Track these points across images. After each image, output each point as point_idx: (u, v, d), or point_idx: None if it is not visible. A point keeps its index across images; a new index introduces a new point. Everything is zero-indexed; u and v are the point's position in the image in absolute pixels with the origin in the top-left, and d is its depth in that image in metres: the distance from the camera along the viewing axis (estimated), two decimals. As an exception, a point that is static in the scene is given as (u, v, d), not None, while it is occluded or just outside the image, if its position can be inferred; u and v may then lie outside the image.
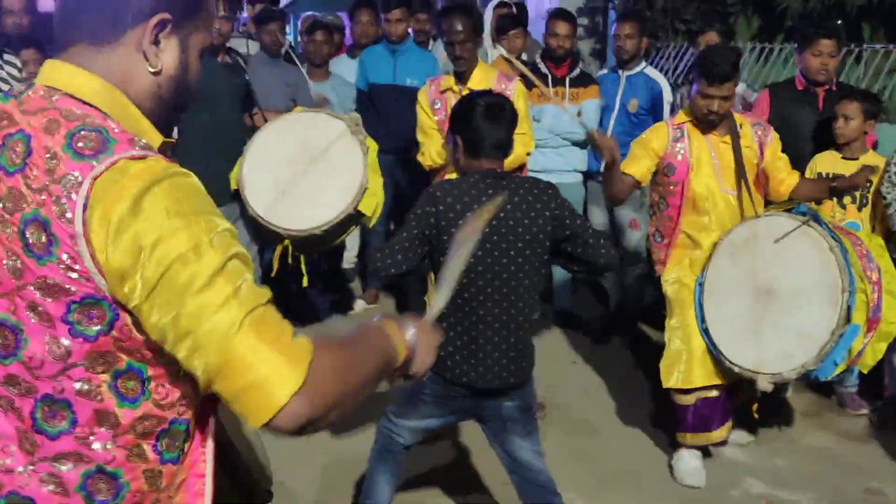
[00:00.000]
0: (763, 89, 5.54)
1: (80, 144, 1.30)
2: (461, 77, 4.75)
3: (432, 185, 3.19)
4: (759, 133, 4.20)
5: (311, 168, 4.63)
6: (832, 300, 3.72)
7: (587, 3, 10.71)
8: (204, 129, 4.82)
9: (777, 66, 8.17)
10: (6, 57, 4.81)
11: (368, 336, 1.55)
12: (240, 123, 5.24)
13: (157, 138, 1.44)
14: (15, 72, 4.80)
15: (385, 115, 6.00)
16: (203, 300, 1.28)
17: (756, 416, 4.27)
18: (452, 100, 4.60)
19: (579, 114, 5.71)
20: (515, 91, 4.73)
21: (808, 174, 4.67)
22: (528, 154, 4.84)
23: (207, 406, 1.54)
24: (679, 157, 4.16)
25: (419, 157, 4.87)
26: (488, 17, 6.48)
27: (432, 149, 4.74)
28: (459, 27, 4.62)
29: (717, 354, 3.98)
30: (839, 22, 8.15)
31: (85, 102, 1.36)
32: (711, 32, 5.71)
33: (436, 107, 4.80)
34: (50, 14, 1.48)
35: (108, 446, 1.40)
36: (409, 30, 6.49)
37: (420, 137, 4.87)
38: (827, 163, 4.70)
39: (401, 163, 5.98)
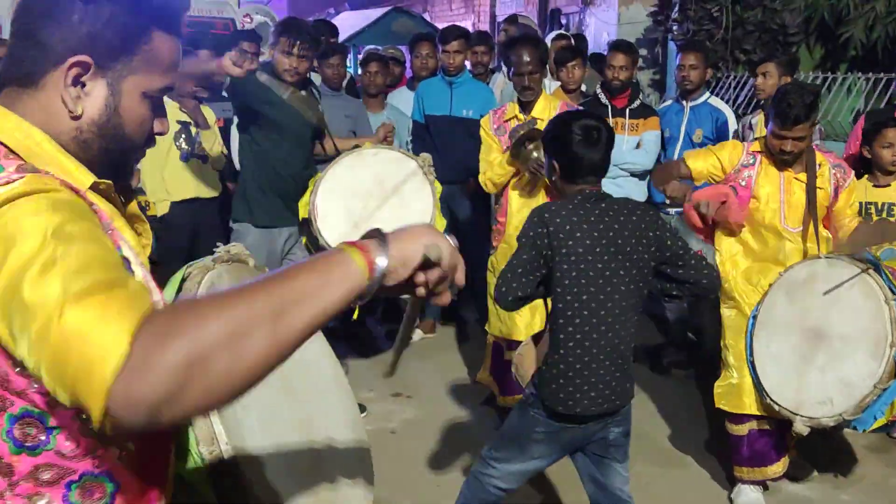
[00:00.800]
0: (861, 116, 5.47)
1: None
2: (525, 107, 4.82)
3: (539, 208, 3.12)
4: (839, 175, 4.12)
5: (385, 204, 4.68)
6: (878, 352, 3.62)
7: (646, 35, 10.71)
8: (282, 158, 4.92)
9: (841, 96, 8.07)
10: None
11: (275, 277, 1.19)
12: (311, 152, 5.32)
13: (84, 179, 1.37)
14: None
15: (442, 145, 6.09)
16: (34, 297, 1.11)
17: (795, 452, 4.20)
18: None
19: (639, 145, 5.73)
20: None
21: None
22: None
23: (157, 462, 1.44)
24: (743, 183, 4.14)
25: (480, 178, 4.92)
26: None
27: (493, 169, 4.77)
28: (527, 58, 4.68)
29: (760, 389, 3.95)
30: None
31: None
32: (770, 64, 5.66)
33: (500, 135, 4.86)
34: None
35: (7, 494, 1.29)
36: (467, 62, 6.59)
37: (483, 163, 4.91)
38: (860, 192, 4.64)
39: (457, 193, 6.04)
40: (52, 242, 1.14)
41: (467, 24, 16.27)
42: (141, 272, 1.38)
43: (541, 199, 4.70)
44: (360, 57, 6.95)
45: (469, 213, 6.36)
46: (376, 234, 1.28)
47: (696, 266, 3.11)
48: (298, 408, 1.94)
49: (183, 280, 1.79)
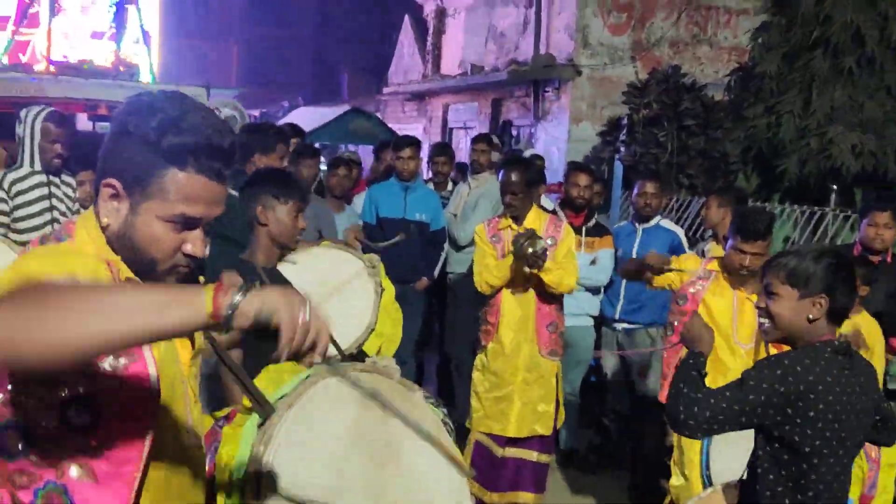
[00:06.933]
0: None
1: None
2: (516, 219, 5.17)
3: (788, 362, 2.76)
4: None
5: (325, 303, 4.76)
6: None
7: (594, 153, 11.21)
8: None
9: (776, 223, 8.49)
10: (63, 177, 5.07)
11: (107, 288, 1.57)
12: None
13: (123, 269, 1.71)
14: (70, 191, 5.06)
15: (395, 246, 6.33)
16: None
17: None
18: (509, 236, 5.07)
19: (594, 262, 6.02)
20: (564, 231, 5.22)
21: None
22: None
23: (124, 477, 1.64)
24: (693, 291, 4.45)
25: (476, 279, 5.21)
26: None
27: (490, 272, 5.09)
28: (514, 178, 5.07)
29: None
30: (834, 187, 8.64)
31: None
32: (713, 197, 6.01)
33: (494, 241, 5.19)
34: (89, 133, 1.80)
35: None
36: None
37: (477, 260, 5.23)
38: None
39: (409, 292, 6.32)
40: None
41: (419, 127, 16.72)
42: (144, 358, 1.66)
43: (532, 300, 5.05)
44: (327, 160, 7.23)
45: (422, 310, 6.60)
46: (253, 284, 1.56)
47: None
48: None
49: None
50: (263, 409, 2.06)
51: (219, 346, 1.95)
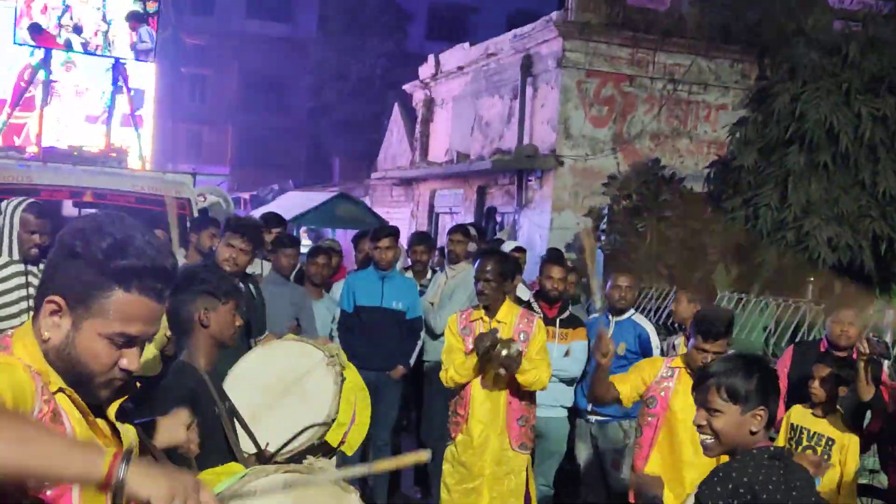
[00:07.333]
0: (788, 346, 5.94)
1: None
2: (489, 310, 5.23)
3: (736, 472, 2.87)
4: None
5: (284, 397, 4.75)
6: None
7: (575, 241, 11.36)
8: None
9: (754, 315, 8.59)
10: (41, 267, 5.12)
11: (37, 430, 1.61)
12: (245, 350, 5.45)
13: (55, 382, 1.78)
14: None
15: (373, 334, 6.42)
16: None
17: None
18: (480, 327, 5.16)
19: (567, 353, 6.07)
20: (536, 325, 5.27)
21: (783, 425, 4.95)
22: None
23: None
24: (662, 394, 4.49)
25: (441, 375, 5.26)
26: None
27: (455, 364, 5.14)
28: (488, 268, 5.16)
29: None
30: (811, 279, 8.75)
31: None
32: (682, 292, 6.14)
33: (465, 333, 5.24)
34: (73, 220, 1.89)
35: None
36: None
37: (444, 356, 5.27)
38: (800, 416, 4.99)
39: (384, 380, 6.38)
40: None
41: (406, 212, 16.92)
42: None
43: (503, 394, 5.13)
44: (304, 250, 7.35)
45: (398, 397, 6.66)
46: (150, 459, 1.70)
47: None
48: None
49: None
50: None
51: (152, 447, 2.01)
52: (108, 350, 1.80)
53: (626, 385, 4.62)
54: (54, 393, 1.77)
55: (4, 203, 5.05)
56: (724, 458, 3.02)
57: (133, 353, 1.83)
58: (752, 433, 2.88)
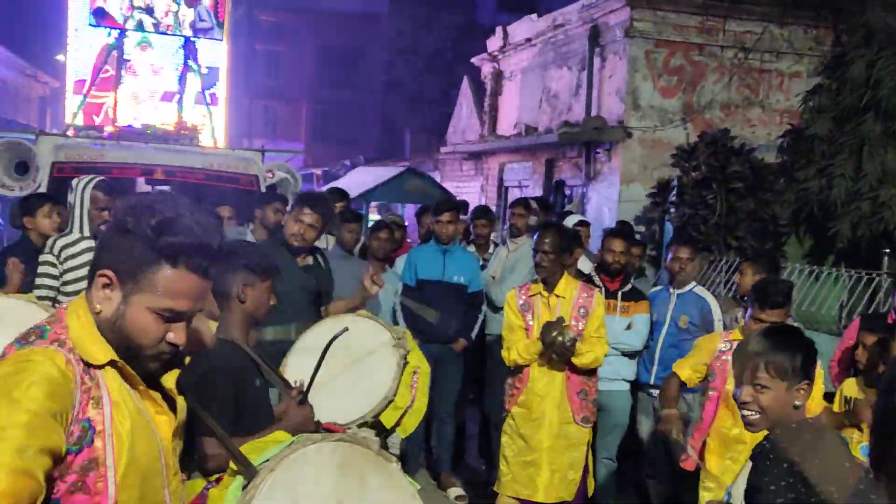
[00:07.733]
0: (854, 315, 5.80)
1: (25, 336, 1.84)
2: (547, 284, 5.26)
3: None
4: None
5: (346, 371, 4.83)
6: None
7: (644, 213, 11.25)
8: (286, 326, 5.19)
9: (827, 287, 8.41)
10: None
11: None
12: (315, 319, 5.59)
13: (101, 356, 1.85)
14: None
15: (434, 308, 6.44)
16: None
17: None
18: (539, 303, 5.23)
19: (629, 326, 6.05)
20: (595, 300, 5.30)
21: (837, 398, 4.87)
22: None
23: None
24: (720, 367, 4.48)
25: (504, 353, 5.31)
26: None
27: (519, 346, 5.20)
28: (546, 240, 5.21)
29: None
30: (886, 250, 8.51)
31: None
32: (747, 264, 6.02)
33: (524, 309, 5.29)
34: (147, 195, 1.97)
35: None
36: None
37: (506, 334, 5.33)
38: (853, 389, 4.89)
39: (447, 352, 6.48)
40: None
41: (475, 187, 16.93)
42: (100, 442, 1.79)
43: (562, 369, 5.17)
44: (370, 224, 7.44)
45: (458, 372, 6.72)
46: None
47: None
48: None
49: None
50: (247, 471, 2.19)
51: (204, 416, 2.09)
52: (156, 324, 1.87)
53: (686, 370, 4.68)
54: (104, 365, 1.85)
55: (75, 181, 5.24)
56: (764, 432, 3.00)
57: (180, 327, 1.90)
58: (796, 407, 2.87)
